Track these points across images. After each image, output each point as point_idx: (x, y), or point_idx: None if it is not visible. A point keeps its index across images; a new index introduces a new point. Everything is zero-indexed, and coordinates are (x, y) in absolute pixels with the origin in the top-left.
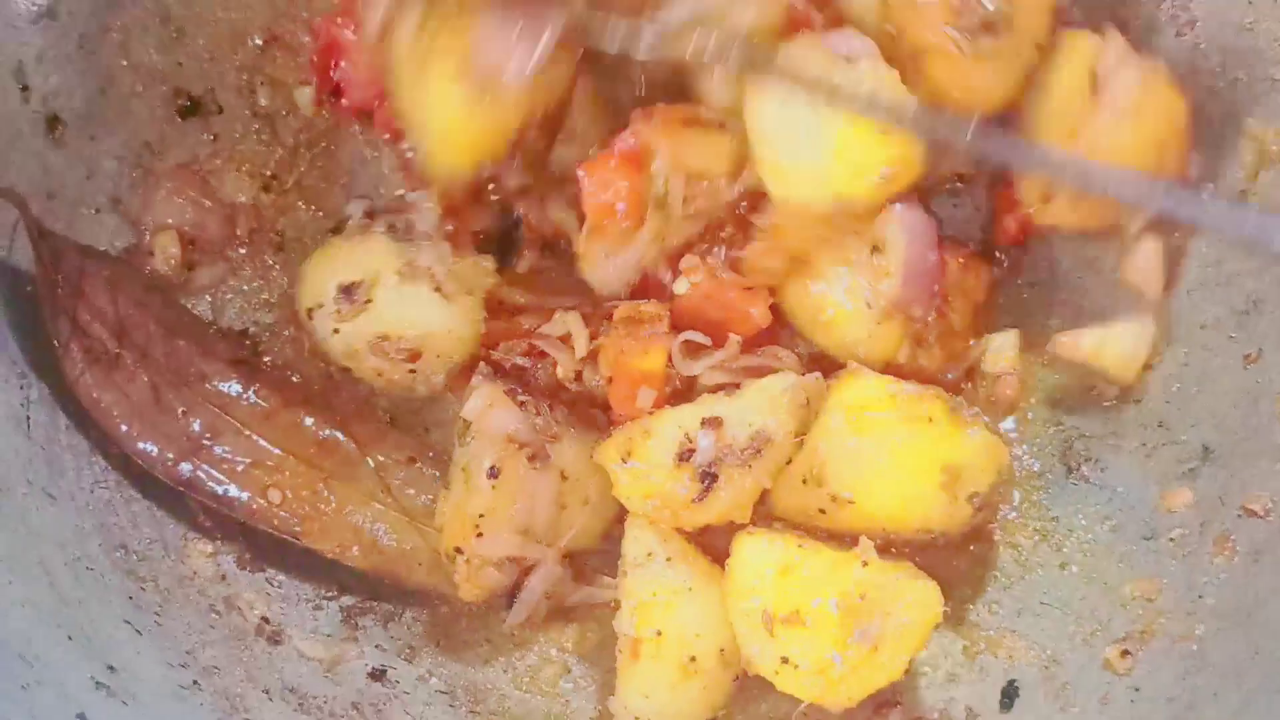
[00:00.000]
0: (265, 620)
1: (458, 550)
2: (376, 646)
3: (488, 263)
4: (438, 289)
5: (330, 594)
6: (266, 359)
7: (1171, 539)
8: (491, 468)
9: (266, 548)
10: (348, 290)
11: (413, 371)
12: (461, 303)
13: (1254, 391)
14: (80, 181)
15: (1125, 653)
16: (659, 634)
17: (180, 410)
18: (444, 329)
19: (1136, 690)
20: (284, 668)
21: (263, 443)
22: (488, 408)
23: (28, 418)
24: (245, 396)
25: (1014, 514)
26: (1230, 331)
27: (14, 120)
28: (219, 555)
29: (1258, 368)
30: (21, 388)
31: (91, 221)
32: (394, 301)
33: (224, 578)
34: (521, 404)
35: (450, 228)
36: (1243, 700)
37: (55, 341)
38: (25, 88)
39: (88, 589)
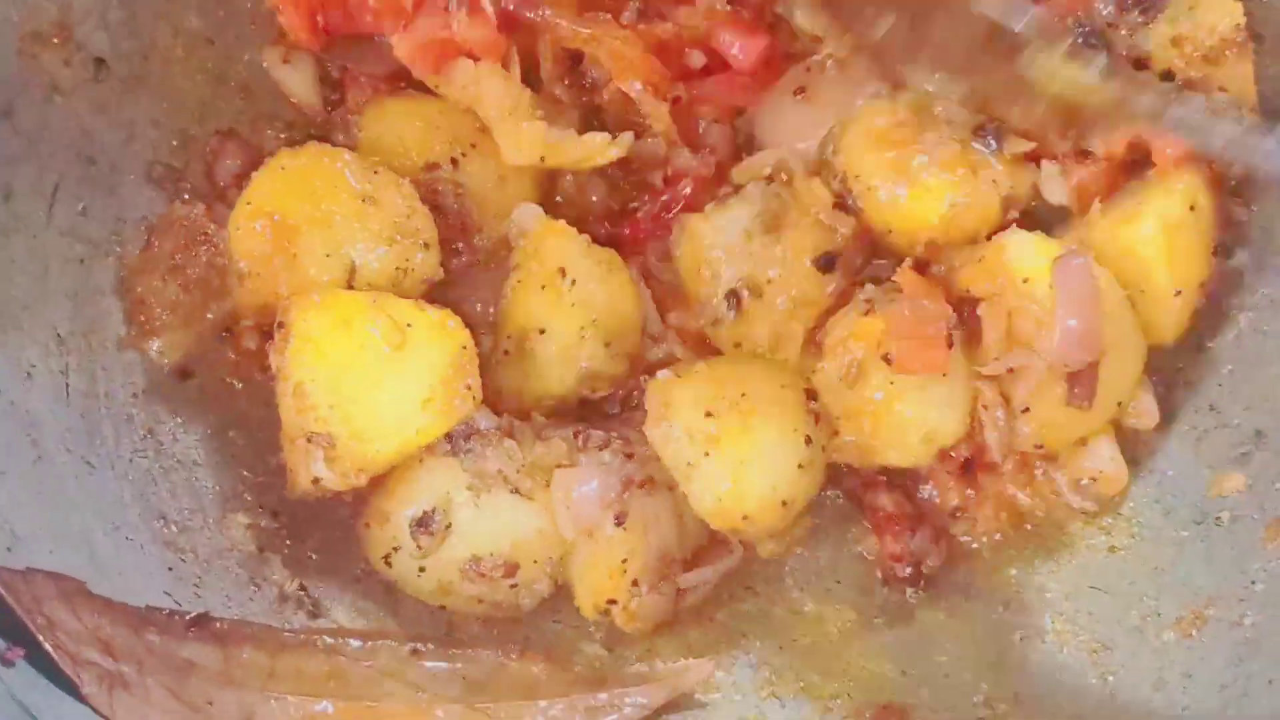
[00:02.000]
0: (304, 590)
1: (611, 603)
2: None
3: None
4: (516, 491)
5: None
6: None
7: (1222, 524)
8: (616, 517)
9: (303, 519)
10: (422, 522)
11: (514, 586)
12: (544, 495)
13: None
14: (120, 145)
15: (1177, 638)
16: None
17: (207, 701)
18: (535, 531)
19: (1189, 677)
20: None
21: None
22: (589, 490)
23: (67, 384)
24: (236, 655)
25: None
26: None
27: (55, 81)
28: (258, 526)
29: None
30: (61, 354)
31: (131, 189)
32: (475, 519)
33: (261, 550)
34: (604, 445)
35: None
36: None
37: (77, 688)
38: (66, 45)
39: (127, 559)
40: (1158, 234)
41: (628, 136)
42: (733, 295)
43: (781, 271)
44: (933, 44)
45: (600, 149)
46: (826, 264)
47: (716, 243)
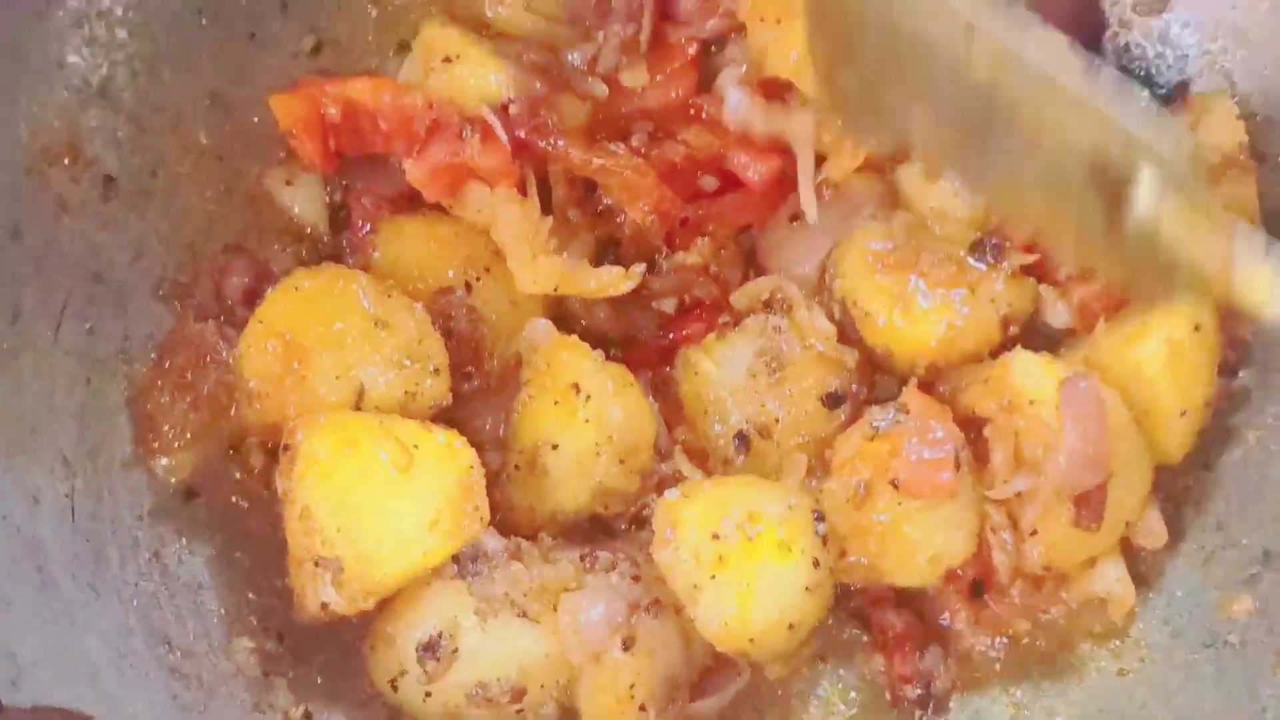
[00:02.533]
0: (309, 716)
1: None
2: None
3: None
4: (523, 614)
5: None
6: None
7: (1232, 647)
8: (624, 641)
9: (308, 642)
10: (429, 647)
11: (521, 711)
12: (551, 619)
13: None
14: (128, 263)
15: None
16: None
17: None
18: (542, 654)
19: None
20: None
21: None
22: (596, 614)
23: (73, 508)
24: None
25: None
26: None
27: (63, 199)
28: (263, 650)
29: None
30: (66, 476)
31: (139, 307)
32: (482, 643)
33: (266, 674)
34: (611, 568)
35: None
36: None
37: None
38: (75, 163)
39: (131, 687)
40: (1163, 354)
41: (640, 269)
42: (741, 438)
43: (789, 411)
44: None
45: (614, 282)
46: (834, 402)
47: (720, 381)
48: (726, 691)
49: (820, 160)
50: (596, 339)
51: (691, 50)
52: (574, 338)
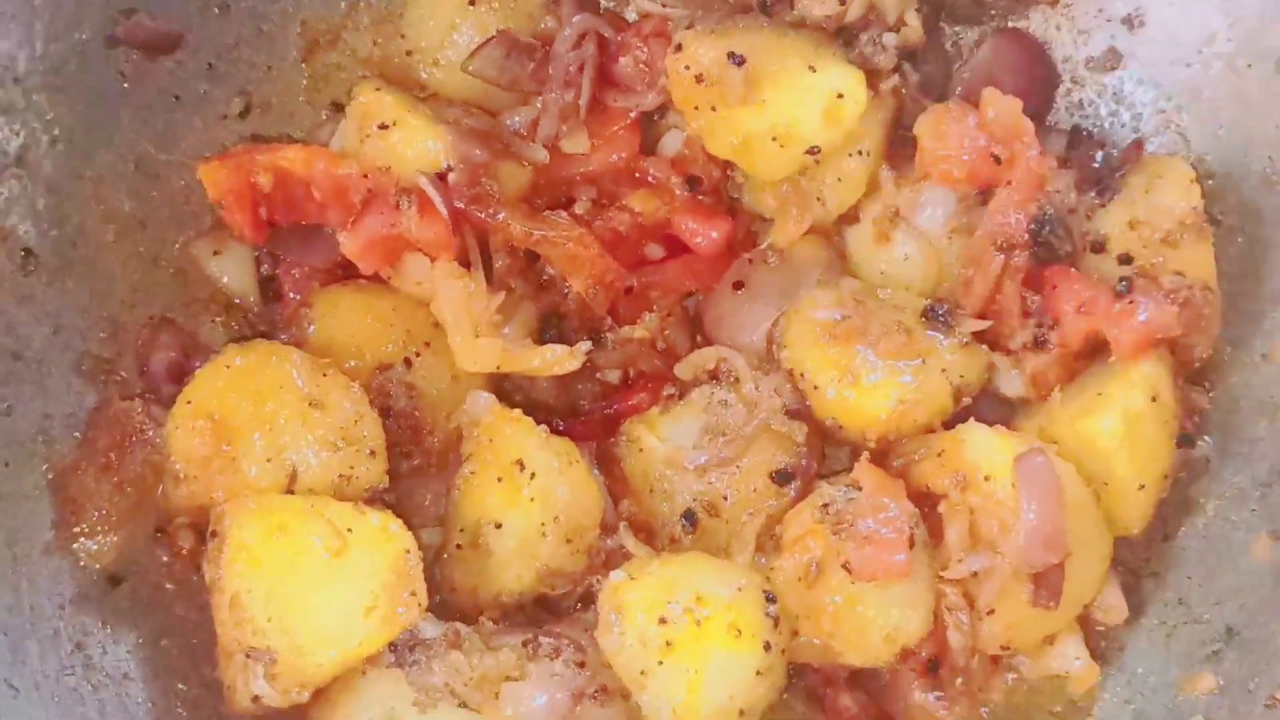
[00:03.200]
0: None
1: None
2: None
3: None
4: (463, 705)
5: None
6: None
7: None
8: None
9: None
10: None
11: None
12: (493, 709)
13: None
14: (48, 338)
15: None
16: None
17: None
18: None
19: None
20: None
21: None
22: (539, 704)
23: None
24: None
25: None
26: (1252, 505)
27: None
28: None
29: None
30: None
31: (59, 383)
32: None
33: None
34: (555, 654)
35: None
36: None
37: None
38: None
39: None
40: (1119, 427)
41: (584, 346)
42: (688, 516)
43: (737, 489)
44: None
45: (559, 361)
46: (784, 478)
47: (666, 458)
48: None
49: (764, 224)
50: (538, 409)
51: (632, 114)
52: (517, 412)
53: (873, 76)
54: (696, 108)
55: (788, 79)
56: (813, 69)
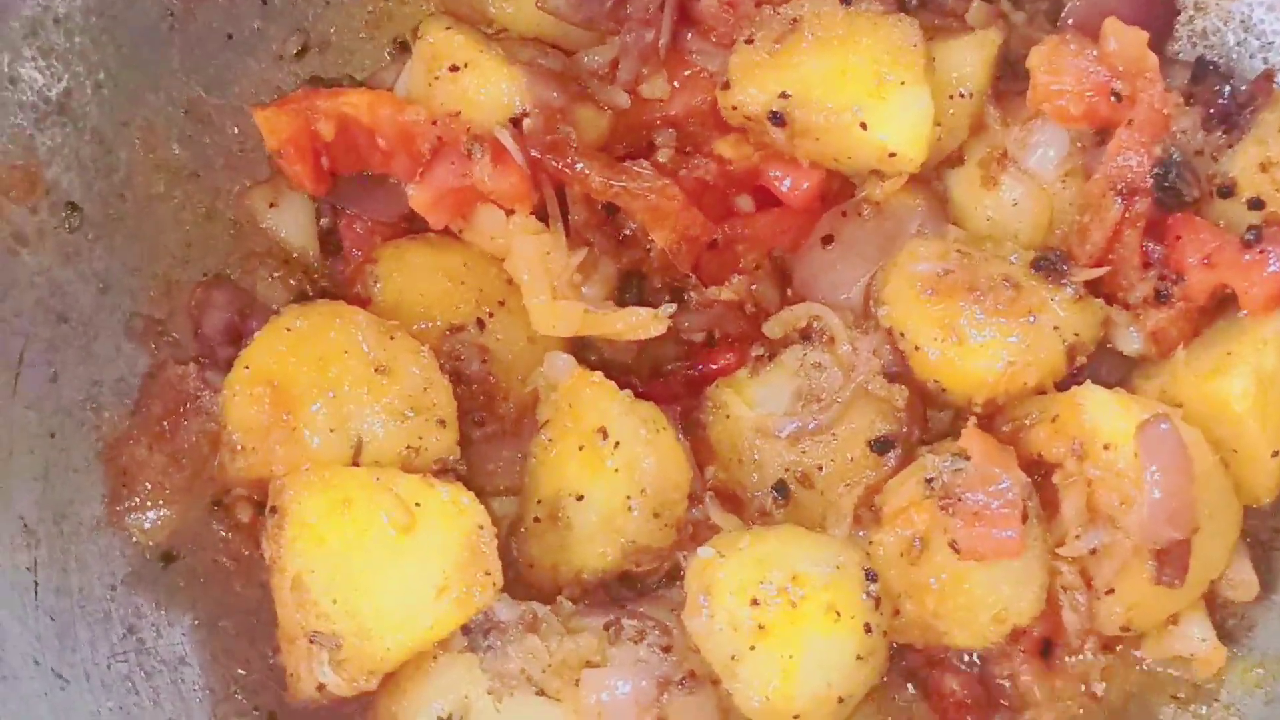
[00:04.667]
0: None
1: None
2: None
3: None
4: (541, 692)
5: None
6: None
7: None
8: None
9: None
10: None
11: None
12: (573, 695)
13: None
14: (95, 299)
15: None
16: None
17: None
18: None
19: None
20: None
21: None
22: (623, 693)
23: (35, 583)
24: None
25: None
26: None
27: (19, 232)
28: None
29: None
30: (27, 545)
31: (108, 347)
32: None
33: None
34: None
35: None
36: None
37: None
38: (32, 190)
39: None
40: (1251, 388)
41: (668, 309)
42: (780, 488)
43: (833, 458)
44: None
45: (642, 325)
46: (883, 446)
47: (755, 425)
48: None
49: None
50: (617, 371)
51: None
52: (599, 374)
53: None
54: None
55: (837, 137)
56: (864, 126)
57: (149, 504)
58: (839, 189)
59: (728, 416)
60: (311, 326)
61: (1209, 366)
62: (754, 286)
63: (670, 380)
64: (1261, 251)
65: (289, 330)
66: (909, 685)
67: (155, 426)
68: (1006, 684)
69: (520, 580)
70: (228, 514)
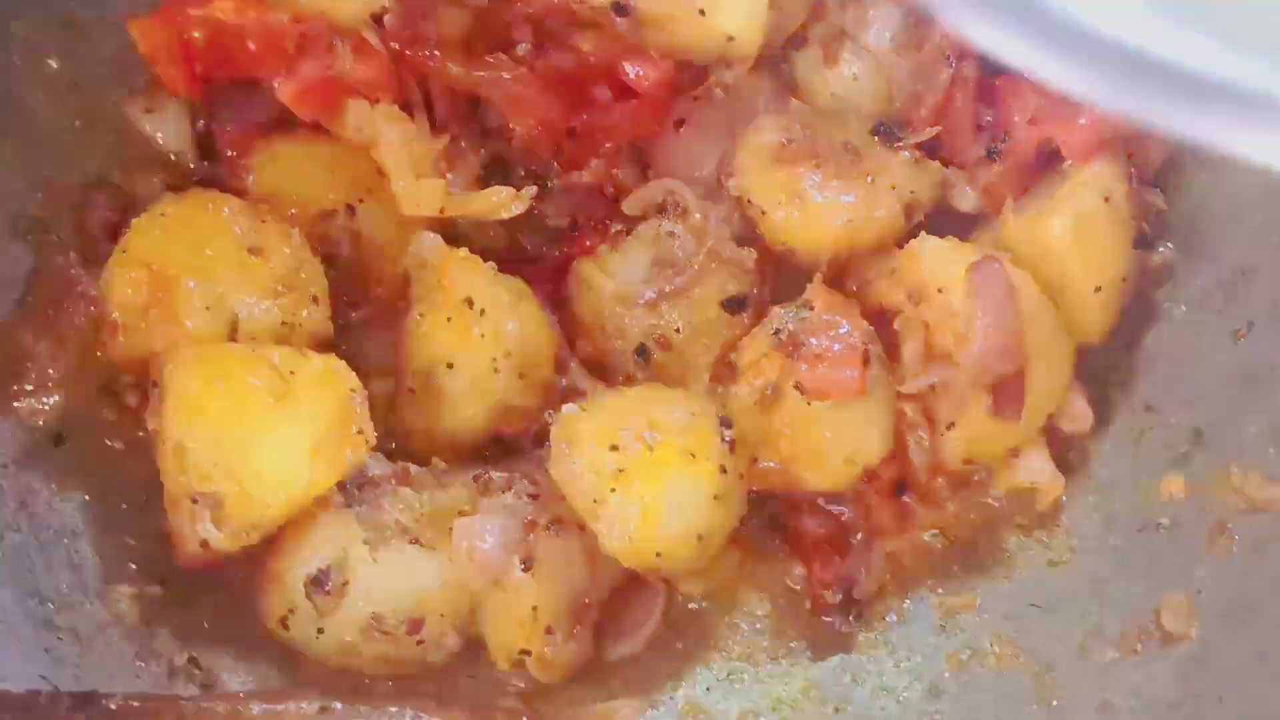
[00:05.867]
0: (194, 663)
1: (525, 653)
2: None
3: None
4: (416, 542)
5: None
6: None
7: (1165, 529)
8: (523, 562)
9: (193, 586)
10: (318, 581)
11: (421, 643)
12: (447, 545)
13: (1246, 369)
14: None
15: (1121, 656)
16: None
17: None
18: (439, 583)
19: (1136, 697)
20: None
21: None
22: (492, 536)
23: None
24: None
25: (995, 507)
26: (1218, 306)
27: None
28: (144, 596)
29: (1248, 343)
30: None
31: None
32: (374, 574)
33: (148, 622)
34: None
35: None
36: (1249, 705)
37: None
38: None
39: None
40: (1070, 228)
41: (530, 191)
42: (641, 351)
43: (689, 320)
44: None
45: (503, 204)
46: (735, 306)
47: (615, 294)
48: (645, 628)
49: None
50: (488, 257)
51: None
52: (464, 251)
53: None
54: None
55: (679, 26)
56: (702, 13)
57: (38, 389)
58: (694, 78)
59: (590, 289)
60: (185, 212)
61: (1034, 213)
62: (615, 171)
63: (539, 264)
64: (1079, 104)
65: (164, 215)
66: (776, 539)
67: (40, 315)
68: (862, 522)
69: (398, 451)
70: (116, 399)
